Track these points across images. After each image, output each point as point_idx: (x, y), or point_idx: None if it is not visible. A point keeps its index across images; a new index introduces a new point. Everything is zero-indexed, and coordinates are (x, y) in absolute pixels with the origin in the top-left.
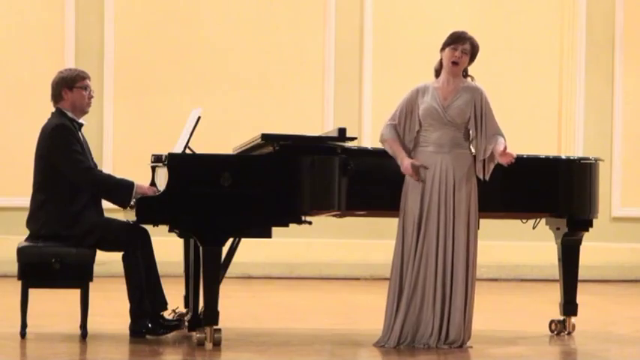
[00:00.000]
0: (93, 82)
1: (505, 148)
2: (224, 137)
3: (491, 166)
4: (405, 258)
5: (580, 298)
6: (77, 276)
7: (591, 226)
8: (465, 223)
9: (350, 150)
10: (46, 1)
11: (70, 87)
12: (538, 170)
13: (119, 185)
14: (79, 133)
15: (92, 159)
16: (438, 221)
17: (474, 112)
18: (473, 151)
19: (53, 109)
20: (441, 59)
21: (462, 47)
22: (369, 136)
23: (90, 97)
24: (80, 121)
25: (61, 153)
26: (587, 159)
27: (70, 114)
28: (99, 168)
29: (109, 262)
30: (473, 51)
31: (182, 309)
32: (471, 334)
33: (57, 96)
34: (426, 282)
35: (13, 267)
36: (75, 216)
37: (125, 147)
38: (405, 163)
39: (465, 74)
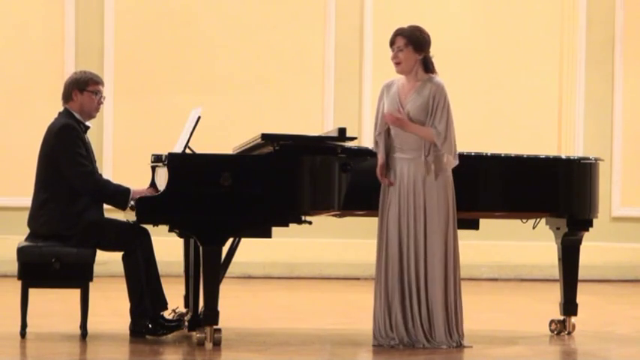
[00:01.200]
0: None
1: (398, 116)
2: (224, 137)
3: (436, 162)
4: (382, 260)
5: (580, 298)
6: (77, 276)
7: (591, 225)
8: (439, 225)
9: (350, 150)
10: (46, 2)
11: (81, 89)
12: (538, 170)
13: (116, 193)
14: (85, 136)
15: (95, 162)
16: (407, 227)
17: (430, 108)
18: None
19: (61, 109)
20: None
21: (395, 47)
22: (369, 136)
23: (99, 103)
24: (87, 124)
25: (65, 153)
26: (587, 159)
27: (77, 116)
28: (99, 172)
29: (109, 262)
30: (412, 41)
31: (182, 309)
32: (463, 335)
33: (67, 96)
34: (402, 284)
35: (13, 267)
36: (76, 215)
37: (125, 147)
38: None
39: (428, 69)
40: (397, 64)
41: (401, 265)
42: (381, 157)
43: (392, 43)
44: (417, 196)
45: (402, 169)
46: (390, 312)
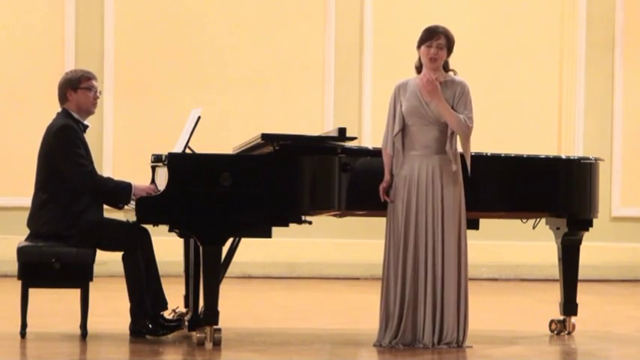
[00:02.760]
0: None
1: (435, 85)
2: (224, 137)
3: (465, 158)
4: (393, 259)
5: (580, 298)
6: (77, 276)
7: (591, 225)
8: (455, 223)
9: (350, 150)
10: (46, 2)
11: (74, 88)
12: (538, 170)
13: (117, 190)
14: (84, 135)
15: (92, 163)
16: (426, 224)
17: (453, 106)
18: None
19: (59, 110)
20: (420, 57)
21: (436, 43)
22: (369, 136)
23: (95, 98)
24: (85, 122)
25: (64, 154)
26: (587, 159)
27: (75, 115)
28: (98, 171)
29: (109, 262)
30: (449, 44)
31: (182, 309)
32: (467, 334)
33: (62, 97)
34: (417, 283)
35: (13, 267)
36: (76, 216)
37: (125, 147)
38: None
39: (447, 68)
40: (435, 60)
41: (417, 265)
42: (387, 173)
43: (432, 38)
44: (436, 192)
45: (421, 165)
46: (401, 317)
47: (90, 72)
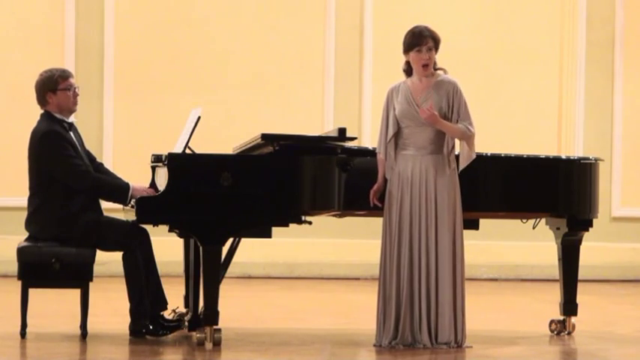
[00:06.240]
0: (93, 82)
1: (434, 112)
2: (224, 137)
3: (460, 160)
4: (389, 259)
5: (580, 298)
6: (77, 276)
7: (591, 225)
8: (449, 223)
9: (350, 150)
10: (46, 1)
11: (53, 90)
12: (538, 170)
13: (115, 189)
14: (70, 133)
15: (87, 155)
16: (419, 224)
17: (447, 106)
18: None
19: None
20: (407, 61)
21: (426, 47)
22: (369, 136)
23: (75, 96)
24: (69, 120)
25: (55, 161)
26: (587, 159)
27: (58, 116)
28: (100, 161)
29: (109, 262)
30: (436, 42)
31: (182, 309)
32: (465, 334)
33: (42, 101)
34: (412, 283)
35: (13, 267)
36: (72, 218)
37: (125, 147)
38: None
39: (435, 67)
40: (427, 65)
41: (411, 265)
42: (380, 177)
43: (421, 44)
44: (429, 192)
45: (415, 165)
46: (398, 317)
47: (65, 70)
